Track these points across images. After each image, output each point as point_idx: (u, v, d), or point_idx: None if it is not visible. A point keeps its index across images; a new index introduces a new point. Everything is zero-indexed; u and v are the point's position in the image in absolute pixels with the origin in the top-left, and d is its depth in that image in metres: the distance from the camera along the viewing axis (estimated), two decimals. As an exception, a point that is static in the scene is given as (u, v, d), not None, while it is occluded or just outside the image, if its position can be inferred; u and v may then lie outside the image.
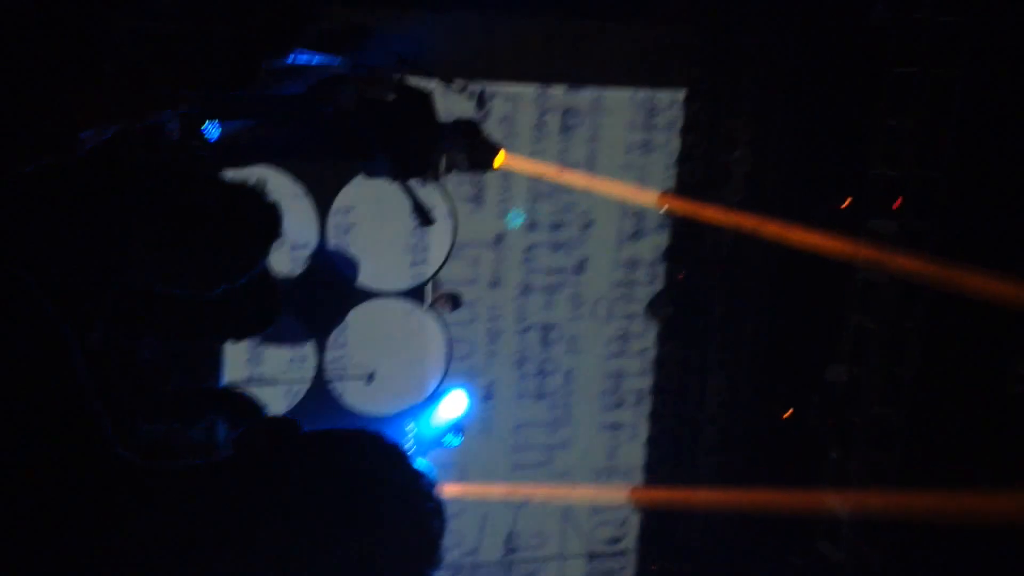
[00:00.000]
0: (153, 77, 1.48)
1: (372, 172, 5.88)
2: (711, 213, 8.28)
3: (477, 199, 7.86)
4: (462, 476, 8.59)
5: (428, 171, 5.83)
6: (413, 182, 5.67)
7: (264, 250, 2.22)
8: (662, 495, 9.06)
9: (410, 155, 5.69)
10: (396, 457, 1.49)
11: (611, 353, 8.91)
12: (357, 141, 5.67)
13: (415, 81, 6.00)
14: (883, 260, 7.42)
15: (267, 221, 2.18)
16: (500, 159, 6.96)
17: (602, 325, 8.79)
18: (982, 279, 6.66)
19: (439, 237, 7.75)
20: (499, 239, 8.20)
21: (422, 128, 5.77)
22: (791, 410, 8.36)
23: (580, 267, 8.59)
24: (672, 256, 8.83)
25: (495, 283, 8.30)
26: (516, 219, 8.09)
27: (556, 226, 8.34)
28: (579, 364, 8.83)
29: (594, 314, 8.75)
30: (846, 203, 7.54)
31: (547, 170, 7.97)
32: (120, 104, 1.48)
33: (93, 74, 1.44)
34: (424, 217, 5.79)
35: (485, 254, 8.20)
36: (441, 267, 7.85)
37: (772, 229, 7.85)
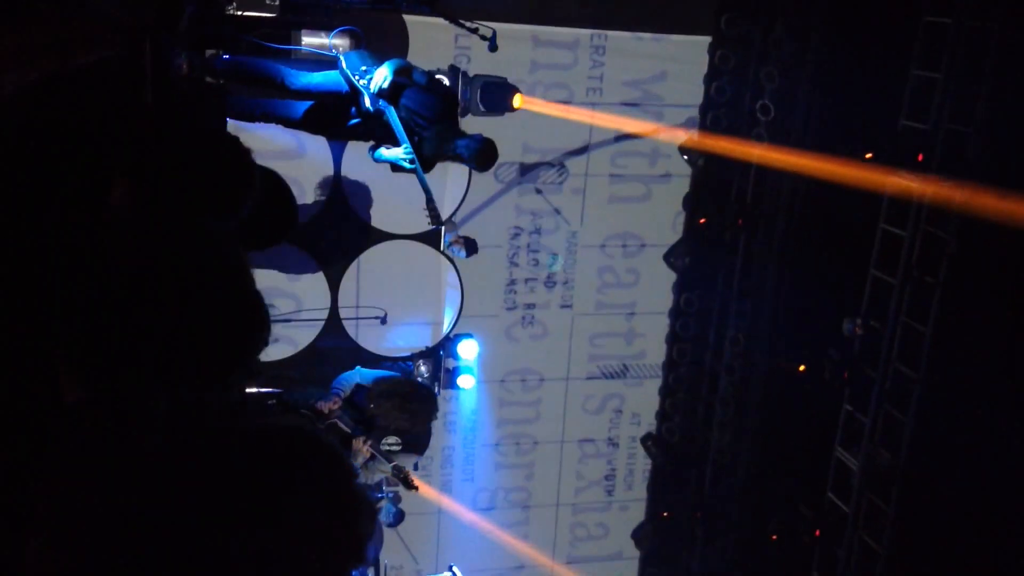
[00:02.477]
0: (76, 15, 1.41)
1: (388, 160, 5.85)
2: (735, 146, 8.17)
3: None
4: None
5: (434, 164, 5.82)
6: (426, 177, 5.63)
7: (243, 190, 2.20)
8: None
9: (429, 147, 5.63)
10: (329, 463, 1.47)
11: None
12: (379, 124, 5.61)
13: (443, 79, 5.97)
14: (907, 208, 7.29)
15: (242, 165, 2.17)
16: (519, 101, 6.87)
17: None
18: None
19: (455, 180, 7.72)
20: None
21: (444, 124, 5.71)
22: (803, 366, 8.31)
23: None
24: (693, 203, 8.75)
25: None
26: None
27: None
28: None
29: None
30: (869, 156, 7.37)
31: (564, 111, 7.89)
32: (42, 45, 1.42)
33: (13, 12, 1.38)
34: (434, 216, 5.77)
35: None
36: (457, 209, 7.83)
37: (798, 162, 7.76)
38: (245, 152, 2.21)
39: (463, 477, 9.01)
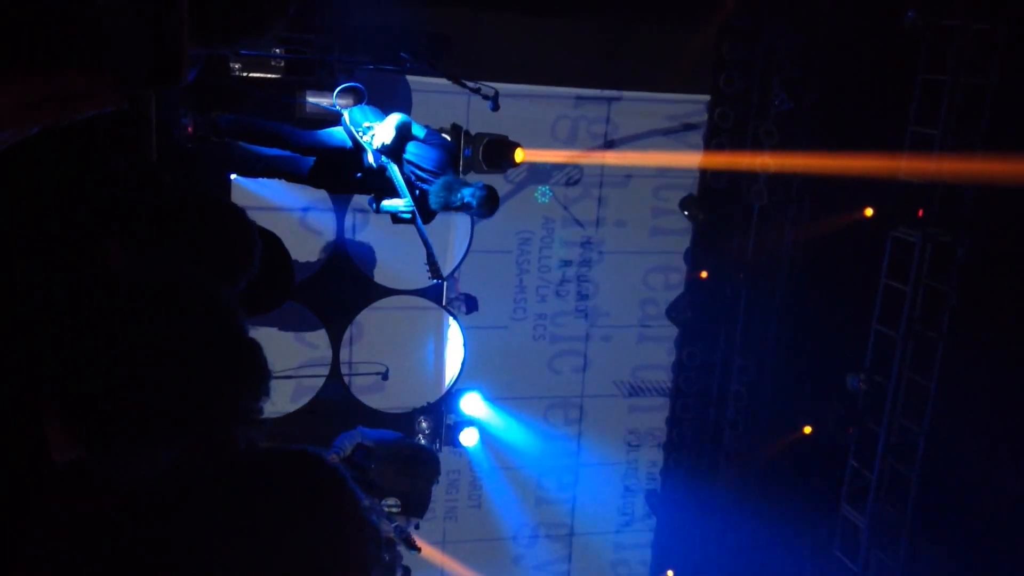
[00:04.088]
0: (77, 68, 1.40)
1: (390, 211, 5.89)
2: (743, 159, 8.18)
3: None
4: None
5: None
6: (427, 232, 5.67)
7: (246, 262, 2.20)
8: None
9: (434, 199, 5.68)
10: (334, 485, 1.45)
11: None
12: (382, 179, 5.66)
13: (446, 136, 6.04)
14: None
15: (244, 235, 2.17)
16: (520, 155, 6.92)
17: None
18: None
19: (458, 235, 7.76)
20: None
21: (447, 176, 5.76)
22: (809, 428, 8.27)
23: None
24: (695, 257, 8.77)
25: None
26: (543, 196, 8.25)
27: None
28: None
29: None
30: (867, 212, 7.42)
31: (568, 157, 7.98)
32: (42, 99, 1.41)
33: (12, 65, 1.37)
34: (435, 270, 5.80)
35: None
36: (458, 266, 7.85)
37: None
38: (249, 224, 2.20)
39: (469, 504, 8.94)
